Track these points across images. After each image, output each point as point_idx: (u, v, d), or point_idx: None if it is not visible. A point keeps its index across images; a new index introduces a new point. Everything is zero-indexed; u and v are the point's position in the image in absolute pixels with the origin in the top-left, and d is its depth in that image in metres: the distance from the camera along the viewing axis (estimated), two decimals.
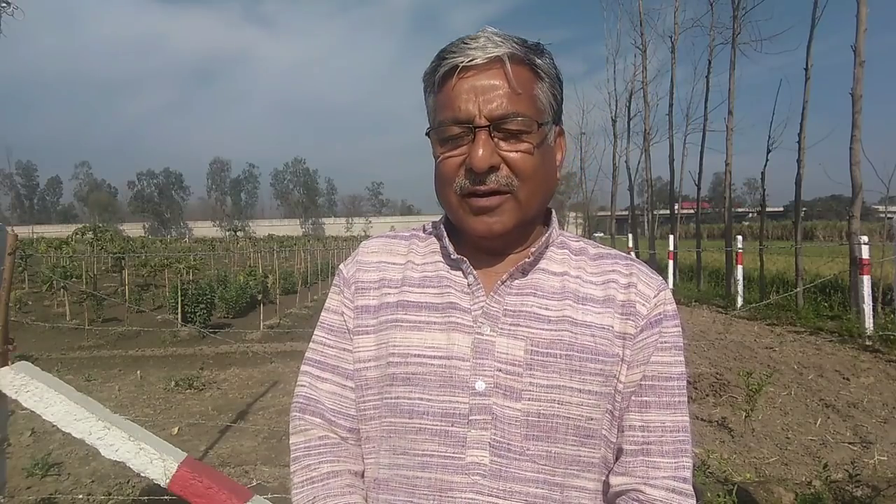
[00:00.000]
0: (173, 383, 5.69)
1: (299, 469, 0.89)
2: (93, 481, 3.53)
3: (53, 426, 1.66)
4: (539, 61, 0.83)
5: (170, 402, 5.28)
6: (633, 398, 0.84)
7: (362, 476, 0.90)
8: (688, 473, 0.84)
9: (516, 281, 0.86)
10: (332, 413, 0.90)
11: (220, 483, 1.56)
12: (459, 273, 0.88)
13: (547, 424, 0.80)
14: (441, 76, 0.82)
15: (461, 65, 0.79)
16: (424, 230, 0.97)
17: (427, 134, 0.86)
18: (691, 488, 0.84)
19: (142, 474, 1.59)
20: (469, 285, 0.86)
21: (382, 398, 0.86)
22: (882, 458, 3.77)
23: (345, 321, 0.92)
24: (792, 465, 3.72)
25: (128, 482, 3.42)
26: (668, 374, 0.85)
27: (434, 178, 0.87)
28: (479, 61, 0.79)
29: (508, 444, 0.80)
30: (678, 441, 0.84)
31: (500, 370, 0.81)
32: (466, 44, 0.80)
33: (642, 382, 0.84)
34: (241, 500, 1.52)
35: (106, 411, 1.69)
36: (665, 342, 0.85)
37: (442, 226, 0.92)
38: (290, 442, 0.92)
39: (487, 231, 0.83)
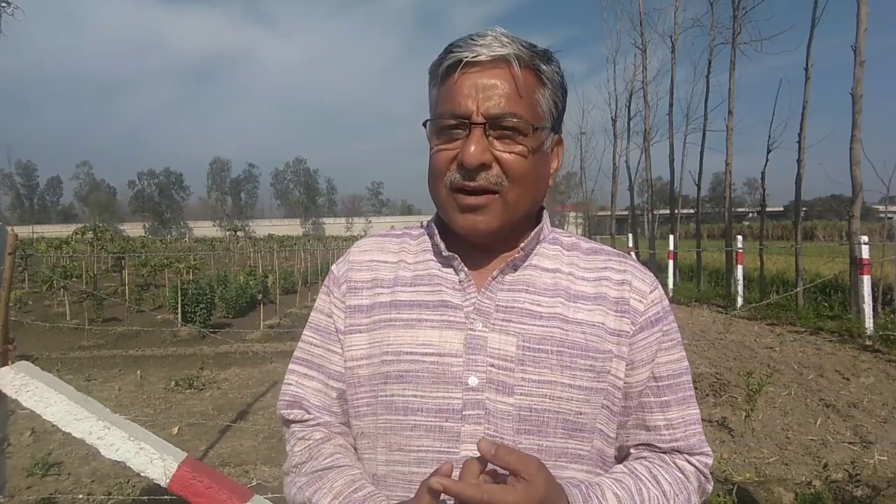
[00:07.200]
0: (173, 383, 5.70)
1: (293, 439, 0.92)
2: (93, 481, 3.53)
3: (53, 426, 1.66)
4: (544, 67, 0.83)
5: (170, 402, 5.28)
6: (653, 399, 0.88)
7: (353, 448, 0.92)
8: (710, 460, 0.91)
9: (508, 277, 0.87)
10: (318, 409, 0.92)
11: (220, 483, 1.56)
12: (451, 270, 0.88)
13: (538, 419, 0.81)
14: (445, 69, 0.82)
15: (465, 60, 0.79)
16: (416, 229, 0.98)
17: (424, 124, 0.86)
18: (710, 473, 0.91)
19: (142, 474, 1.60)
20: (461, 282, 0.87)
21: (376, 396, 0.86)
22: (882, 458, 3.78)
23: (333, 322, 0.93)
24: (792, 465, 3.72)
25: (128, 482, 3.42)
26: (679, 371, 0.90)
27: (427, 170, 0.88)
28: (483, 59, 0.79)
29: (501, 438, 0.80)
30: (698, 433, 0.90)
31: (493, 366, 0.82)
32: (474, 40, 0.80)
33: (659, 383, 0.88)
34: (241, 500, 1.53)
35: (106, 411, 1.69)
36: (670, 339, 0.89)
37: (433, 224, 0.93)
38: (283, 429, 0.96)
39: (472, 229, 0.83)
